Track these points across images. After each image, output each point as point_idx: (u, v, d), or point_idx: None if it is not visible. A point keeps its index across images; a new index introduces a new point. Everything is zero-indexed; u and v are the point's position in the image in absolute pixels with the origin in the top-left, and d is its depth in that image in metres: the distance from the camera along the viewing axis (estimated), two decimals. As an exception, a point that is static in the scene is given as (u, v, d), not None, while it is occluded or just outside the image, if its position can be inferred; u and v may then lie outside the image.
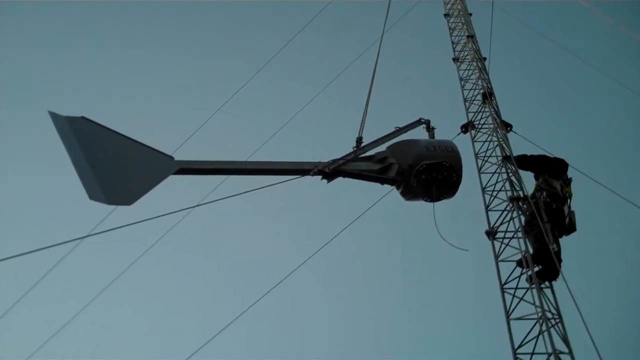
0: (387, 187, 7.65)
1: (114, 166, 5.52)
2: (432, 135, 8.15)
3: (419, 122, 8.25)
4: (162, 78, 32.37)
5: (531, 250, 7.89)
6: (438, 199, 7.42)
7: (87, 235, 6.06)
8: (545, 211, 8.06)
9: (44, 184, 27.77)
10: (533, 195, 8.48)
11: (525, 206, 8.50)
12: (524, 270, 7.72)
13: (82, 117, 5.59)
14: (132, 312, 23.33)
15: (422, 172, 7.11)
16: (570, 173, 8.77)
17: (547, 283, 7.62)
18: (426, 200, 7.44)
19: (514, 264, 7.84)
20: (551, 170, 8.63)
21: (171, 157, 5.96)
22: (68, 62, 30.62)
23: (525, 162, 9.06)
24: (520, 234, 8.05)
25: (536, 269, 7.67)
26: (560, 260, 7.68)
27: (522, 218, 8.25)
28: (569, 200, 8.41)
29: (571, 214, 8.32)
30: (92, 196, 5.20)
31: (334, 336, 22.54)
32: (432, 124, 8.27)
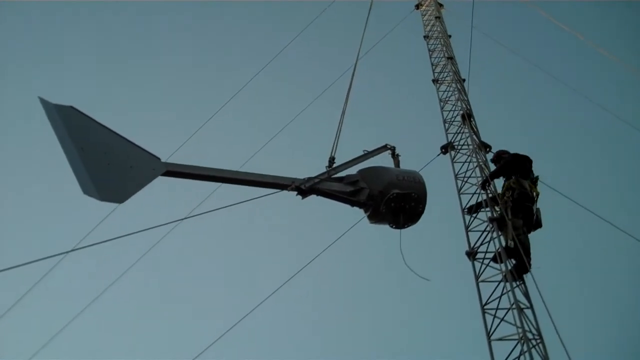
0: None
1: (104, 162, 5.45)
2: (397, 163, 8.52)
3: (385, 148, 8.63)
4: (152, 87, 32.32)
5: (504, 244, 8.17)
6: (403, 227, 7.80)
7: (72, 250, 5.91)
8: (516, 209, 8.37)
9: (34, 192, 27.70)
10: (503, 194, 8.72)
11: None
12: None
13: (71, 107, 5.56)
14: (121, 323, 23.16)
15: (392, 200, 7.46)
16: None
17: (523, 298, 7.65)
18: (391, 226, 7.83)
19: (495, 284, 7.86)
20: (520, 171, 8.83)
21: (158, 158, 5.97)
22: (61, 61, 30.46)
23: (497, 173, 9.20)
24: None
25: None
26: (529, 255, 8.00)
27: (502, 239, 8.30)
28: (536, 199, 8.66)
29: (538, 211, 8.59)
30: (86, 191, 5.11)
31: (318, 355, 22.43)
32: (397, 151, 8.64)
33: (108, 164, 5.47)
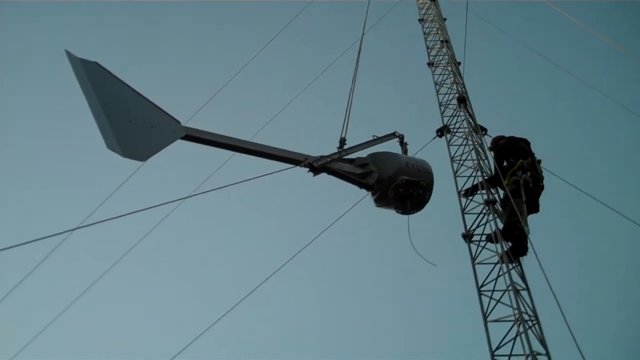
0: (362, 191, 8.07)
1: (127, 119, 5.49)
2: (404, 150, 8.76)
3: (393, 135, 8.90)
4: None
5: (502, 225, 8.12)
6: (409, 213, 8.04)
7: (77, 228, 5.81)
8: (516, 190, 8.26)
9: (33, 175, 27.65)
10: (514, 173, 8.57)
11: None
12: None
13: (96, 63, 5.62)
14: (115, 310, 23.21)
15: (401, 186, 7.65)
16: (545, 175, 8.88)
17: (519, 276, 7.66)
18: (397, 212, 8.05)
19: (491, 266, 7.86)
20: (519, 153, 8.80)
21: (178, 121, 5.98)
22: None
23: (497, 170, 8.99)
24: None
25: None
26: (525, 238, 7.92)
27: (498, 221, 8.29)
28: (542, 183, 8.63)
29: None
30: (109, 145, 5.17)
31: (313, 337, 22.58)
32: (405, 139, 8.92)
33: (130, 122, 5.51)
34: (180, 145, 5.99)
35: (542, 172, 8.67)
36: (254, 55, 16.15)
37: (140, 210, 5.59)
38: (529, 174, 8.41)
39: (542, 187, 8.57)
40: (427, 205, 8.18)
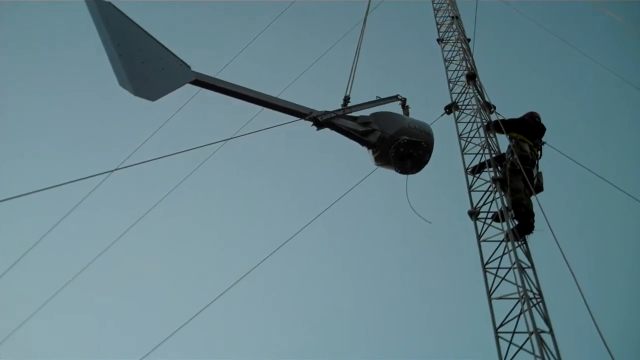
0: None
1: (139, 59, 5.58)
2: (406, 113, 8.90)
3: (396, 98, 9.03)
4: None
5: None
6: (408, 173, 8.28)
7: (115, 169, 5.96)
8: (512, 171, 8.34)
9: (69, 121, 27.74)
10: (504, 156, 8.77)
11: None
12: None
13: (109, 3, 5.71)
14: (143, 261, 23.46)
15: (402, 145, 7.82)
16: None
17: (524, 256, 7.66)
18: (396, 171, 8.23)
19: (496, 244, 7.84)
20: (526, 132, 8.87)
21: (188, 66, 6.04)
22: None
23: (501, 125, 9.11)
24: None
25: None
26: (532, 214, 7.99)
27: (504, 199, 8.26)
28: (537, 162, 8.80)
29: (539, 175, 8.72)
30: (121, 83, 5.28)
31: (317, 315, 22.74)
32: (407, 103, 9.08)
33: (142, 63, 5.58)
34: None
35: (536, 152, 8.73)
36: (258, 34, 16.05)
37: (178, 153, 5.83)
38: (515, 156, 8.48)
39: (532, 165, 8.63)
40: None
